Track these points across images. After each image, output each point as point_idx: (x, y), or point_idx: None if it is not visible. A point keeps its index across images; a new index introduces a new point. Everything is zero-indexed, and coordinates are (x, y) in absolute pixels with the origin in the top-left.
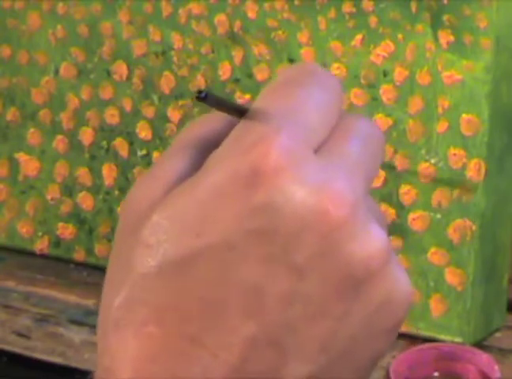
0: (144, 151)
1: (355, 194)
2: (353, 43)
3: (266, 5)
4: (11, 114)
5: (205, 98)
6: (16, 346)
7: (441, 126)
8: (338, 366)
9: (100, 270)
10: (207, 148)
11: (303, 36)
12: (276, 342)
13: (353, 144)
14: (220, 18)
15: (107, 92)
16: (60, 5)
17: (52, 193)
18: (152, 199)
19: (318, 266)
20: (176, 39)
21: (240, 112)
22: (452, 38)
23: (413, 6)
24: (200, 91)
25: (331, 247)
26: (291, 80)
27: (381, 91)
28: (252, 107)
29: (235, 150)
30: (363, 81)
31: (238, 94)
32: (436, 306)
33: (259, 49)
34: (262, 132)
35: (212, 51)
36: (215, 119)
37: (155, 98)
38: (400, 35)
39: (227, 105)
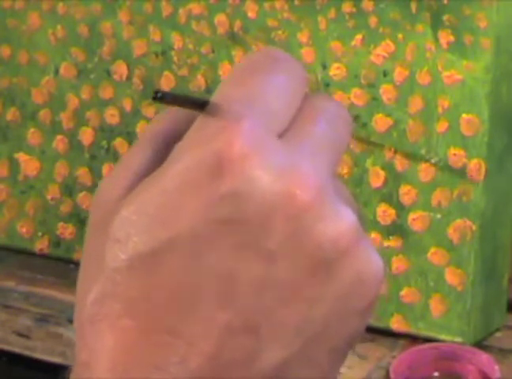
0: None
1: (321, 176)
2: (353, 43)
3: (266, 5)
4: (11, 114)
5: (162, 98)
6: (17, 346)
7: (441, 126)
8: (313, 349)
9: None
10: (171, 142)
11: (303, 36)
12: (251, 328)
13: (318, 125)
14: (220, 18)
15: (107, 92)
16: (60, 5)
17: (52, 193)
18: (119, 193)
19: (288, 250)
20: (176, 39)
21: (201, 105)
22: (452, 38)
23: (413, 6)
24: (156, 92)
25: (300, 230)
26: (251, 67)
27: (381, 91)
28: (212, 99)
29: (199, 140)
30: (363, 81)
31: None
32: (436, 306)
33: (259, 49)
34: (224, 120)
35: (213, 51)
36: (178, 113)
37: None
38: (400, 35)
39: (186, 101)
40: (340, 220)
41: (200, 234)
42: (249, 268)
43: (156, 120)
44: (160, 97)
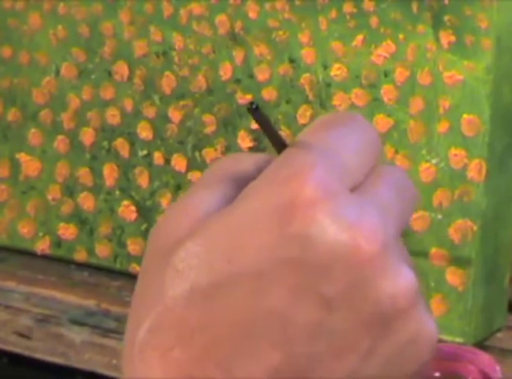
0: (145, 152)
1: (387, 233)
2: (354, 43)
3: (267, 5)
4: (12, 114)
5: (256, 109)
6: (17, 346)
7: (442, 127)
8: None
9: (101, 270)
10: (240, 184)
11: (304, 37)
12: (299, 373)
13: (386, 189)
14: (221, 18)
15: (108, 93)
16: (61, 5)
17: (53, 193)
18: (185, 227)
19: (347, 300)
20: (177, 40)
21: (279, 143)
22: (453, 38)
23: (414, 7)
24: (252, 103)
25: (361, 282)
26: (330, 123)
27: (382, 92)
28: (292, 143)
29: (272, 181)
30: (364, 82)
31: (239, 94)
32: (437, 307)
33: (260, 49)
34: (300, 165)
35: (213, 52)
36: (248, 158)
37: (156, 98)
38: (401, 36)
39: (271, 128)
40: (402, 279)
41: (263, 272)
42: (305, 312)
43: (225, 160)
44: (254, 108)
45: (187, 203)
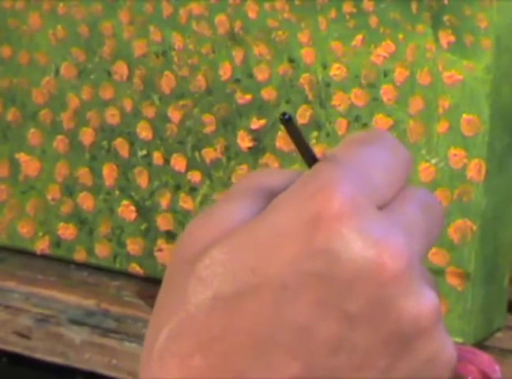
0: (144, 152)
1: (413, 252)
2: (354, 43)
3: (267, 5)
4: (12, 114)
5: (289, 121)
6: (17, 346)
7: (441, 126)
8: None
9: (101, 270)
10: (270, 198)
11: (303, 36)
12: None
13: (413, 209)
14: (221, 18)
15: (107, 92)
16: (60, 5)
17: (53, 193)
18: (212, 236)
19: (369, 316)
20: (177, 40)
21: (310, 156)
22: (452, 38)
23: (414, 7)
24: (284, 114)
25: (384, 299)
26: (361, 140)
27: (381, 92)
28: (322, 157)
29: (300, 194)
30: (363, 81)
31: (238, 94)
32: None
33: (259, 49)
34: (328, 179)
35: (213, 51)
36: (280, 173)
37: (155, 98)
38: (400, 36)
39: (302, 141)
40: (425, 299)
41: (286, 284)
42: (326, 326)
43: (256, 174)
44: (287, 119)
45: (215, 212)
